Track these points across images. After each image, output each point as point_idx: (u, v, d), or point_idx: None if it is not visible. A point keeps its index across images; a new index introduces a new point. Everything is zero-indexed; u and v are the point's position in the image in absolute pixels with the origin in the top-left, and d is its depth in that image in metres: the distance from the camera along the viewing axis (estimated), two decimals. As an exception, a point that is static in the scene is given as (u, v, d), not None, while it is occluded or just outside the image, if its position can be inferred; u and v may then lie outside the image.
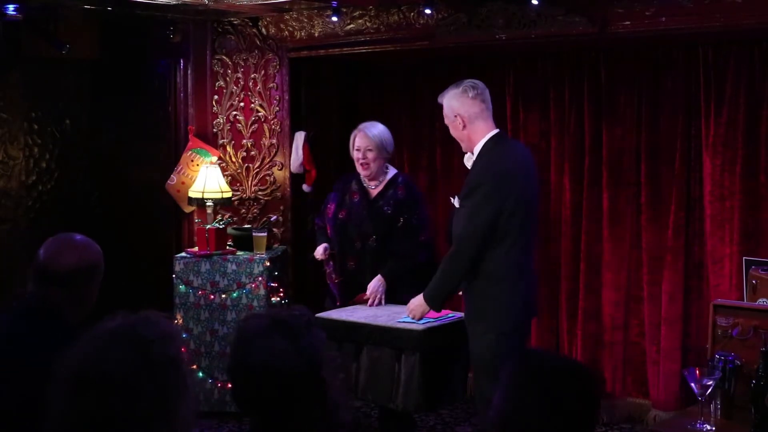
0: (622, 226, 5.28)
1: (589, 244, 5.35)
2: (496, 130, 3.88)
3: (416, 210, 4.60)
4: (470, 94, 3.83)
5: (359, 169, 4.58)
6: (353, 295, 4.62)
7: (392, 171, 4.66)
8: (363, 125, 4.64)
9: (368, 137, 4.52)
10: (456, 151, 5.85)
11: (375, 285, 4.49)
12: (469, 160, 3.93)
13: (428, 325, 4.12)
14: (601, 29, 4.64)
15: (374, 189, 4.62)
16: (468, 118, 3.83)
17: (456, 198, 3.90)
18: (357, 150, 4.53)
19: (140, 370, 1.45)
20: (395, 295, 4.47)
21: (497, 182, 3.76)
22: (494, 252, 3.79)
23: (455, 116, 3.85)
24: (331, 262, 4.67)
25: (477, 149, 3.85)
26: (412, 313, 4.03)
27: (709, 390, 2.93)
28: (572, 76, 5.41)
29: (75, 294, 2.48)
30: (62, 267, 2.46)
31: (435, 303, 3.98)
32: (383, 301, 4.50)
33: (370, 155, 4.51)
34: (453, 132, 3.92)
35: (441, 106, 3.97)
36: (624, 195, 5.27)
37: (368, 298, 4.50)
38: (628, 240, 5.28)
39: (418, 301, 4.00)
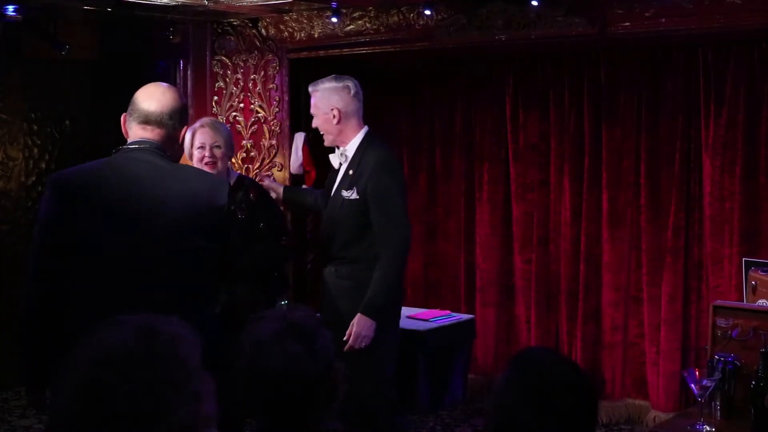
0: (622, 227, 5.28)
1: (588, 245, 5.36)
2: (367, 127, 3.91)
3: (275, 211, 4.27)
4: (351, 92, 3.86)
5: (204, 169, 3.88)
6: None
7: (234, 173, 4.27)
8: (203, 120, 4.17)
9: (216, 132, 4.01)
10: (456, 152, 5.89)
11: None
12: (337, 158, 3.91)
13: (430, 326, 4.12)
14: (601, 30, 4.64)
15: None
16: (344, 114, 3.83)
17: (353, 190, 3.77)
18: (200, 148, 3.97)
19: (141, 356, 1.46)
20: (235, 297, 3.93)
21: (398, 169, 3.88)
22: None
23: (331, 109, 3.83)
24: None
25: (354, 144, 3.85)
26: (365, 340, 3.64)
27: (709, 391, 2.93)
28: (572, 77, 5.41)
29: (172, 135, 2.74)
30: (164, 108, 2.71)
31: (383, 314, 3.71)
32: None
33: (218, 152, 3.98)
34: (322, 124, 3.88)
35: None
36: (623, 196, 5.27)
37: None
38: (628, 241, 5.28)
39: (365, 323, 3.65)
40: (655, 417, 5.11)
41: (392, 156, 3.93)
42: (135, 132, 2.72)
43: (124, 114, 2.78)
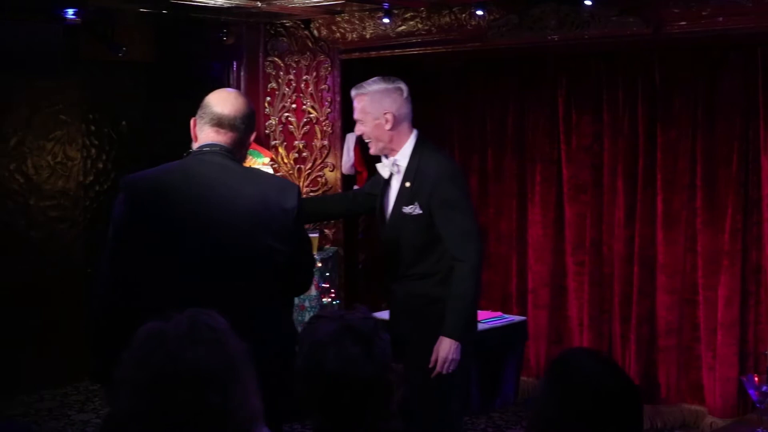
0: (677, 229, 5.20)
1: (642, 247, 5.28)
2: (417, 131, 3.56)
3: None
4: (404, 95, 3.52)
5: None
6: None
7: None
8: None
9: None
10: (508, 152, 5.86)
11: None
12: (386, 167, 3.56)
13: (481, 327, 4.09)
14: (656, 30, 4.58)
15: None
16: (398, 118, 3.47)
17: (414, 205, 3.45)
18: None
19: (228, 365, 1.49)
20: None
21: (462, 176, 3.58)
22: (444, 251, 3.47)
23: (384, 114, 3.46)
24: None
25: (406, 152, 3.51)
26: (452, 364, 3.36)
27: (768, 397, 2.88)
28: (626, 78, 5.35)
29: (243, 139, 2.76)
30: (237, 112, 2.74)
31: (467, 333, 3.45)
32: None
33: None
34: (372, 131, 3.50)
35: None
36: (679, 198, 5.19)
37: None
38: (683, 243, 5.20)
39: (450, 346, 3.35)
40: (711, 423, 5.02)
41: (453, 162, 3.63)
42: (207, 135, 2.74)
43: (193, 118, 2.80)
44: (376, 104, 3.48)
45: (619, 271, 5.38)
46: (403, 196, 3.48)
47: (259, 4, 5.08)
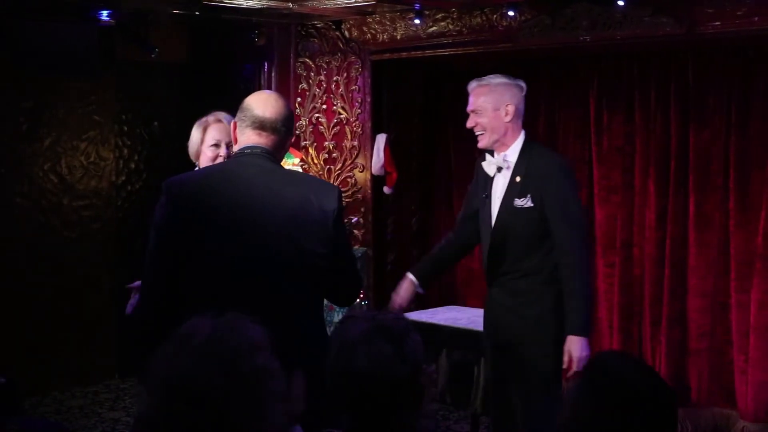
0: (709, 231, 5.15)
1: (674, 249, 5.24)
2: (524, 130, 3.65)
3: None
4: (523, 92, 3.63)
5: None
6: None
7: None
8: (216, 114, 3.60)
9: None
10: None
11: None
12: (492, 164, 3.63)
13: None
14: (689, 30, 4.54)
15: None
16: (516, 112, 3.57)
17: (527, 198, 3.52)
18: (214, 146, 3.51)
19: (230, 385, 1.48)
20: None
21: (573, 173, 3.67)
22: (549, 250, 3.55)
23: (506, 105, 3.55)
24: None
25: (515, 148, 3.59)
26: (585, 360, 3.41)
27: (802, 402, 2.85)
28: (658, 78, 5.30)
29: (283, 141, 2.77)
30: (278, 115, 2.74)
31: (591, 326, 3.56)
32: None
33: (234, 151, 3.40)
34: (489, 122, 3.57)
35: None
36: (711, 199, 5.14)
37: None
38: (716, 245, 5.14)
39: (580, 344, 3.43)
40: (743, 427, 4.97)
41: (563, 157, 3.71)
42: (249, 137, 2.74)
43: (233, 121, 2.82)
44: (498, 95, 3.57)
45: (650, 274, 5.34)
46: (514, 190, 3.55)
47: (290, 5, 5.12)
